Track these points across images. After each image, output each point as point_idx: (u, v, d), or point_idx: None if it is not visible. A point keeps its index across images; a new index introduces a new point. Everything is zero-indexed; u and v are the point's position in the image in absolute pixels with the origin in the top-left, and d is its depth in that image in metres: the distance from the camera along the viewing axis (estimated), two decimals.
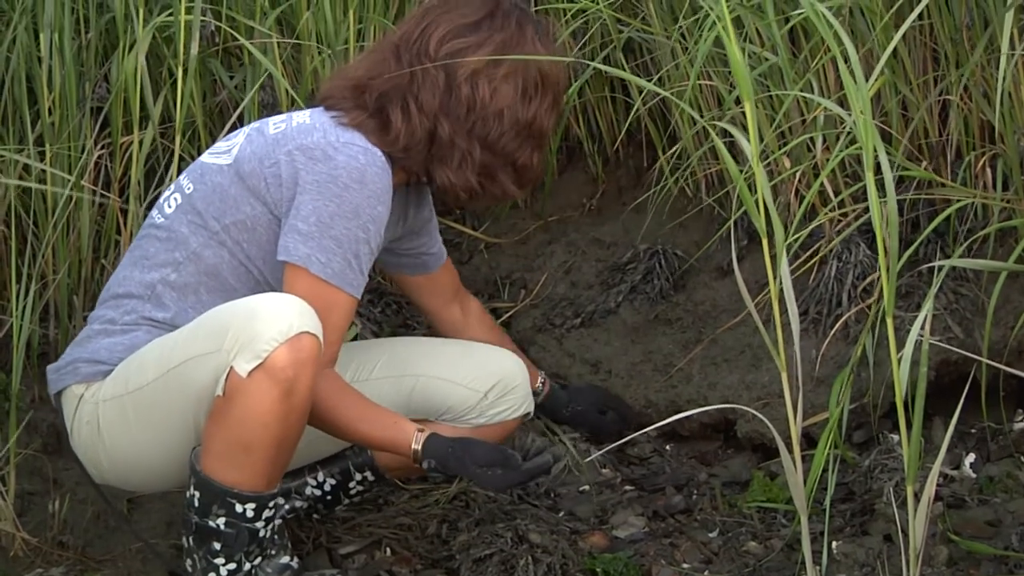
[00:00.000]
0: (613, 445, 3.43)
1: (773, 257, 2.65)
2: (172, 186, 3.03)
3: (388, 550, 3.19)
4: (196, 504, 2.80)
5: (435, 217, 3.33)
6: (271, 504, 2.81)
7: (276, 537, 2.87)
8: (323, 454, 3.17)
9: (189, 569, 2.86)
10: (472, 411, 3.16)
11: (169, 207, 2.99)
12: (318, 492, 3.21)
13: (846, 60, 2.59)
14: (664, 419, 3.19)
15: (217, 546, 2.81)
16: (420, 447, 2.89)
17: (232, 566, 2.83)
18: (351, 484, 3.22)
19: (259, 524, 2.80)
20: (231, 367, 2.69)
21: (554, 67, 3.04)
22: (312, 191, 2.83)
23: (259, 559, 2.85)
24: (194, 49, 3.58)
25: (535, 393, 3.39)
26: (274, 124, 2.97)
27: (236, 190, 2.91)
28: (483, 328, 3.43)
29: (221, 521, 2.79)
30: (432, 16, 3.00)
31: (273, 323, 2.69)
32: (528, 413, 3.24)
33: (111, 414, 2.87)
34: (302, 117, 2.96)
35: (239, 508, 2.78)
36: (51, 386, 2.98)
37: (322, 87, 3.09)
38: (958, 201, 3.32)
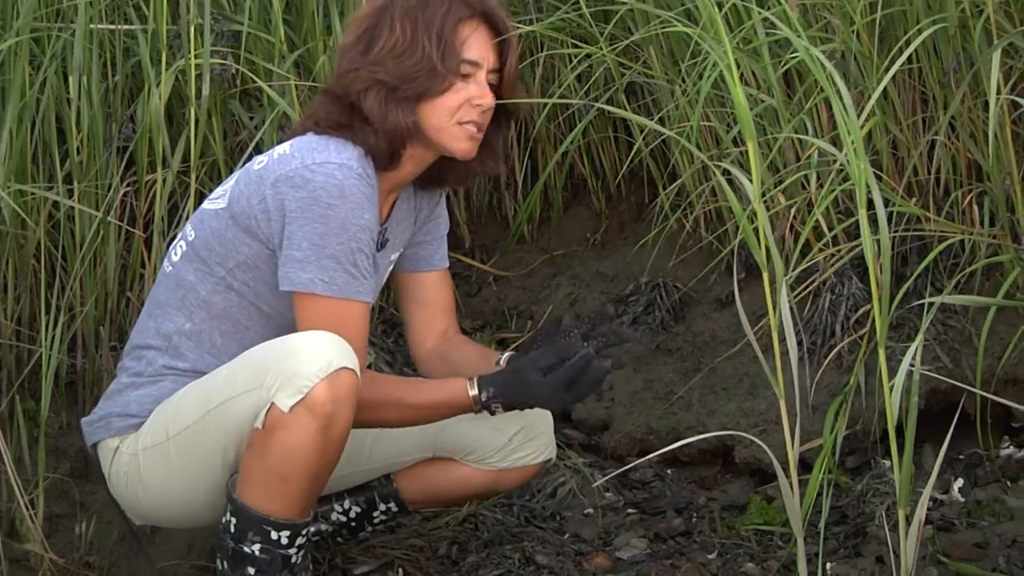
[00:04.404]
0: (619, 471, 3.43)
1: (773, 289, 2.65)
2: (180, 233, 2.99)
3: (401, 571, 3.18)
4: (232, 530, 2.79)
5: (445, 237, 3.19)
6: (304, 532, 2.80)
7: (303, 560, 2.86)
8: (352, 483, 3.15)
9: None
10: (496, 454, 3.10)
11: (176, 255, 2.95)
12: (343, 518, 3.20)
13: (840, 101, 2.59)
14: (665, 445, 3.20)
15: (251, 571, 2.79)
16: (476, 383, 2.85)
17: None
18: (375, 513, 3.19)
19: (292, 551, 2.79)
20: (272, 402, 2.68)
21: None
22: (299, 218, 2.78)
23: None
24: (206, 91, 3.59)
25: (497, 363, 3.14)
26: (258, 161, 2.91)
27: (232, 233, 2.87)
28: (470, 346, 3.20)
29: (256, 547, 2.77)
30: None
31: (314, 360, 2.67)
32: (550, 459, 3.17)
33: (153, 461, 2.85)
34: (282, 148, 2.88)
35: (274, 535, 2.77)
36: (86, 438, 2.96)
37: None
38: (946, 239, 3.33)
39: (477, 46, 2.90)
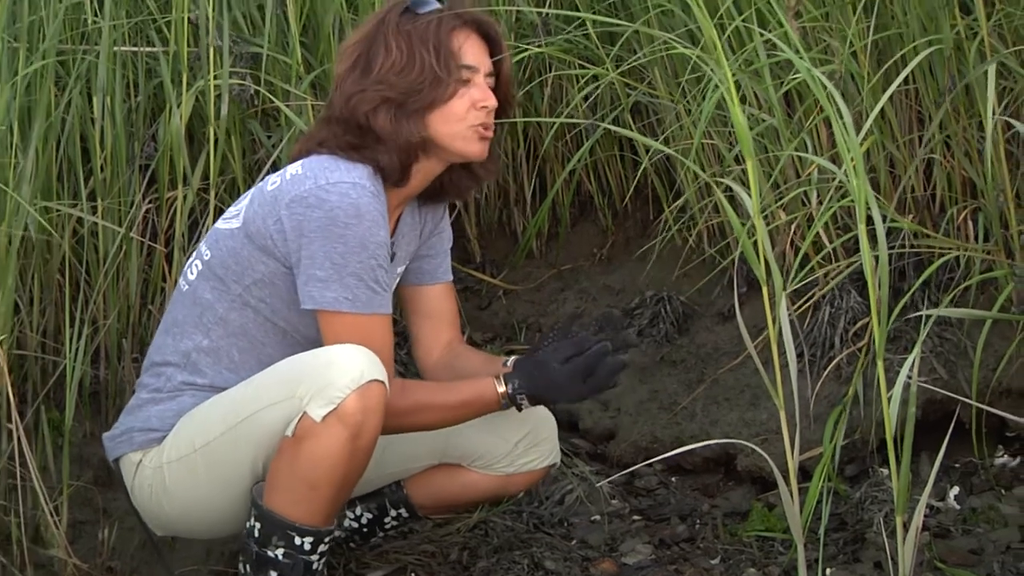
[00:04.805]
0: (622, 473, 3.44)
1: (772, 303, 2.66)
2: (194, 252, 3.00)
3: (413, 575, 3.18)
4: (256, 534, 2.80)
5: (448, 251, 3.20)
6: (327, 539, 2.81)
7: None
8: (364, 490, 3.16)
9: None
10: (503, 460, 3.12)
11: (192, 274, 2.96)
12: (355, 524, 3.21)
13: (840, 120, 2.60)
14: (669, 453, 3.23)
15: (274, 575, 2.80)
16: (502, 379, 2.89)
17: None
18: (386, 519, 3.22)
19: (314, 557, 2.80)
20: (304, 411, 2.69)
21: (380, 27, 2.91)
22: (318, 237, 2.79)
23: None
24: (225, 111, 3.61)
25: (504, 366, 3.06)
26: (271, 181, 2.91)
27: (248, 251, 2.88)
28: (475, 354, 3.22)
29: (280, 552, 2.79)
30: None
31: (346, 372, 2.69)
32: (555, 464, 3.19)
33: (179, 473, 2.86)
34: (294, 168, 2.89)
35: (298, 541, 2.78)
36: (108, 453, 2.97)
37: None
38: (943, 254, 3.34)
39: (472, 51, 2.92)
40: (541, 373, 2.89)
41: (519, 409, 2.92)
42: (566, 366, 2.87)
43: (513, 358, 3.04)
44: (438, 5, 2.92)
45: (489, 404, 2.91)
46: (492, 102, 2.92)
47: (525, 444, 3.12)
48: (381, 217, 2.83)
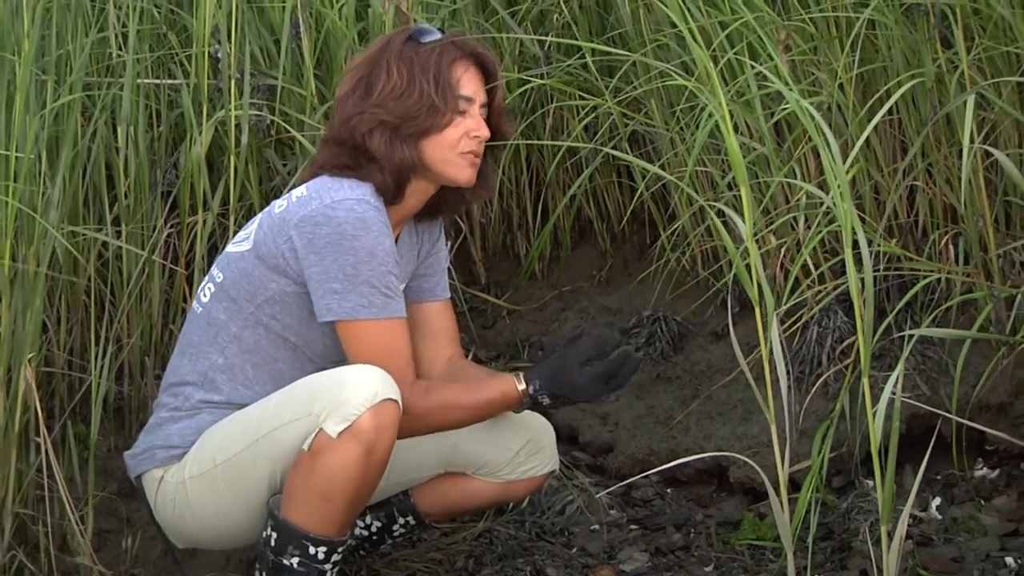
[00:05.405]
0: (620, 484, 3.46)
1: (764, 323, 2.69)
2: (206, 277, 3.03)
3: None
4: (273, 544, 2.82)
5: (446, 269, 3.21)
6: (340, 549, 2.83)
7: None
8: (373, 500, 3.18)
9: None
10: (505, 467, 3.14)
11: (205, 296, 2.98)
12: (365, 532, 3.23)
13: (827, 149, 2.64)
14: (664, 465, 3.25)
15: None
16: (522, 378, 2.91)
17: None
18: (394, 527, 3.23)
19: (327, 566, 2.83)
20: (321, 428, 2.72)
21: (382, 54, 2.94)
22: (329, 252, 2.83)
23: None
24: (244, 140, 3.64)
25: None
26: (278, 205, 2.95)
27: (259, 271, 2.91)
28: (476, 368, 3.23)
29: (295, 560, 2.81)
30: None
31: (361, 391, 2.72)
32: (554, 470, 3.21)
33: (200, 488, 2.89)
34: (299, 191, 2.93)
35: (312, 550, 2.80)
36: (130, 471, 2.99)
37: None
38: (926, 276, 3.36)
39: (470, 83, 2.95)
40: (562, 374, 2.89)
41: (541, 405, 2.93)
42: (588, 369, 2.88)
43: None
44: (440, 35, 2.96)
45: (511, 402, 2.93)
46: (485, 133, 2.96)
47: (526, 452, 3.14)
48: (386, 227, 2.86)
